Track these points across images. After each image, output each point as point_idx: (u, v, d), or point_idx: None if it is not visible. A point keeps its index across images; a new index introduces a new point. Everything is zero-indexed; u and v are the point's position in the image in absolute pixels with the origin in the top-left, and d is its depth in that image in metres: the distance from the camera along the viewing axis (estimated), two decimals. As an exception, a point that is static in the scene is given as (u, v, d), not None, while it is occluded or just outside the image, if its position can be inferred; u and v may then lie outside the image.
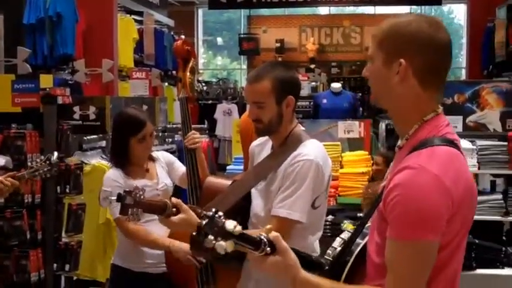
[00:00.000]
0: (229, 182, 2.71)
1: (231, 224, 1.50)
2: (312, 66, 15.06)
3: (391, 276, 1.58)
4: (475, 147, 4.91)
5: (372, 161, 5.63)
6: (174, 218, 2.37)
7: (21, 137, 4.24)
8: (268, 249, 1.57)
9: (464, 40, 11.76)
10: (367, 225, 1.78)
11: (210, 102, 11.85)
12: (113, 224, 4.26)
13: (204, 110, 11.41)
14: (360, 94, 14.05)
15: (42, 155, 4.01)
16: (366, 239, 1.75)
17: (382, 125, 8.36)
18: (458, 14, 17.49)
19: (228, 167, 5.96)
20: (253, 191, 2.61)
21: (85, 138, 4.80)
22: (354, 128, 5.90)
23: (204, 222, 1.49)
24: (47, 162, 3.45)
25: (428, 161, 1.56)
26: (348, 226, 4.92)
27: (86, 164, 4.68)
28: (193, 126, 3.36)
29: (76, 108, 4.98)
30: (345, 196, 5.37)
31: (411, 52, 1.64)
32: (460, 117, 5.12)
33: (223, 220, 1.50)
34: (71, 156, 4.62)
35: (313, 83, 12.83)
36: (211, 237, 1.48)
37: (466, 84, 5.40)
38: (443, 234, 1.56)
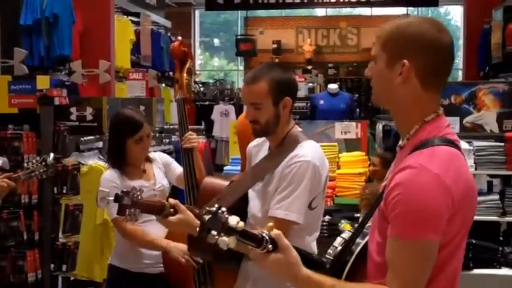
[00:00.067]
0: (226, 183, 2.71)
1: (234, 220, 1.51)
2: (309, 67, 15.08)
3: (391, 275, 1.59)
4: (471, 148, 4.93)
5: (368, 162, 5.64)
6: (172, 218, 2.38)
7: (18, 138, 4.23)
8: (270, 246, 1.58)
9: (460, 41, 11.78)
10: (367, 225, 1.79)
11: (207, 103, 11.86)
12: (110, 225, 4.26)
13: (201, 111, 11.42)
14: (357, 95, 14.09)
15: (39, 156, 4.01)
16: (366, 238, 1.76)
17: (379, 126, 8.37)
18: (455, 16, 17.53)
19: (225, 168, 5.97)
20: (250, 191, 2.61)
21: (82, 139, 4.80)
22: (351, 129, 5.91)
23: (207, 217, 1.50)
24: (43, 163, 3.45)
25: (429, 161, 1.58)
26: (345, 226, 4.93)
27: (83, 164, 4.67)
28: (190, 127, 3.36)
29: (73, 109, 4.97)
30: (342, 197, 5.39)
31: (414, 53, 1.66)
32: (457, 118, 5.14)
33: (227, 216, 1.51)
34: (68, 157, 4.62)
35: (310, 84, 12.84)
36: (214, 232, 1.49)
37: (463, 86, 5.42)
38: (443, 233, 1.57)
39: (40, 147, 4.34)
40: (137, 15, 9.57)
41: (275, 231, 1.61)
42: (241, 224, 1.52)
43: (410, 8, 15.59)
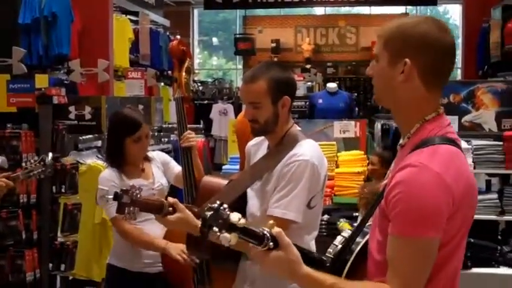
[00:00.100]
0: (225, 182, 2.71)
1: (235, 216, 1.52)
2: (308, 66, 15.07)
3: (392, 273, 1.60)
4: (470, 146, 4.93)
5: (367, 161, 5.64)
6: (171, 217, 2.38)
7: (17, 137, 4.23)
8: (271, 244, 1.59)
9: (459, 40, 11.78)
10: (367, 224, 1.79)
11: (205, 102, 11.86)
12: (108, 224, 4.26)
13: (200, 110, 11.41)
14: (356, 94, 14.08)
15: (38, 155, 4.01)
16: (367, 237, 1.77)
17: (378, 125, 8.38)
18: (453, 15, 17.51)
19: (223, 167, 5.96)
20: (249, 190, 2.61)
21: (80, 138, 4.80)
22: (350, 128, 5.91)
23: (209, 214, 1.51)
24: (42, 163, 3.45)
25: (430, 159, 1.59)
26: (343, 225, 4.92)
27: (81, 163, 4.67)
28: (189, 126, 3.36)
29: (71, 108, 4.97)
30: (340, 196, 5.39)
31: (417, 53, 1.67)
32: (456, 117, 5.14)
33: (228, 212, 1.52)
34: (67, 156, 4.61)
35: (309, 83, 12.85)
36: (215, 229, 1.50)
37: (462, 85, 5.42)
38: (444, 232, 1.58)
39: (39, 146, 4.34)
40: (136, 14, 9.57)
41: (276, 229, 1.61)
42: (243, 220, 1.54)
43: (409, 7, 15.58)
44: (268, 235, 1.59)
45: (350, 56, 15.92)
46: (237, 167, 5.15)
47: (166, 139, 6.10)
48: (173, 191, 3.67)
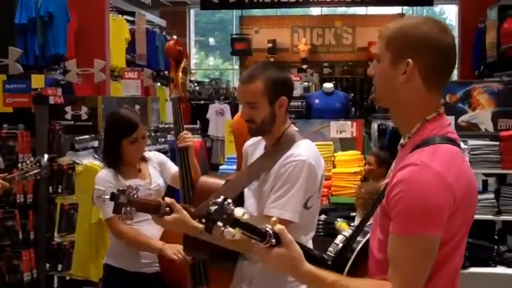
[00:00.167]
0: (222, 182, 2.71)
1: (239, 211, 1.54)
2: (304, 66, 15.08)
3: (393, 271, 1.61)
4: (466, 147, 4.94)
5: (364, 161, 5.65)
6: (168, 218, 2.38)
7: (13, 137, 4.23)
8: (273, 240, 1.59)
9: (456, 41, 11.80)
10: (368, 223, 1.80)
11: (202, 102, 11.85)
12: (105, 224, 4.25)
13: (197, 110, 11.41)
14: (352, 94, 14.09)
15: (34, 155, 4.01)
16: (367, 236, 1.78)
17: (374, 125, 8.39)
18: (449, 15, 17.54)
19: (220, 167, 5.96)
20: (246, 191, 2.61)
21: (77, 138, 4.79)
22: (346, 128, 5.91)
23: (213, 208, 1.53)
24: (37, 164, 3.45)
25: (431, 158, 1.60)
26: (341, 225, 4.92)
27: (78, 164, 4.66)
28: (185, 126, 3.36)
29: (68, 108, 4.96)
30: (337, 196, 5.39)
31: (418, 53, 1.68)
32: (452, 118, 5.14)
33: (232, 207, 1.53)
34: (63, 156, 4.61)
35: (306, 83, 12.86)
36: (220, 223, 1.51)
37: (458, 85, 5.42)
38: (445, 230, 1.59)
39: (35, 146, 4.34)
40: (132, 14, 9.56)
41: (278, 226, 1.62)
42: (247, 216, 1.55)
43: (405, 7, 15.60)
44: (270, 232, 1.60)
45: (346, 56, 15.94)
46: (234, 167, 5.16)
47: (163, 139, 6.10)
48: (170, 191, 3.67)
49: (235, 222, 1.53)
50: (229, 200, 1.54)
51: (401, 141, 1.76)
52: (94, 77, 7.18)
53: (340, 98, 9.74)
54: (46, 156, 3.56)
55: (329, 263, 1.76)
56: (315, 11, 17.23)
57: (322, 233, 4.99)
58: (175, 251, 3.04)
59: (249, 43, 15.78)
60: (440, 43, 1.69)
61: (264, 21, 16.49)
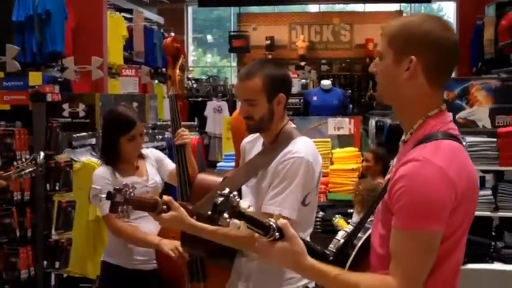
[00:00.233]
0: (220, 179, 2.71)
1: (245, 204, 1.57)
2: (302, 63, 15.08)
3: (395, 265, 1.63)
4: (464, 143, 4.93)
5: (362, 158, 5.65)
6: (165, 215, 2.38)
7: (10, 135, 4.23)
8: (277, 234, 1.61)
9: (454, 37, 11.77)
10: (369, 219, 1.81)
11: (200, 99, 11.85)
12: (102, 221, 4.25)
13: (194, 107, 11.41)
14: (350, 91, 14.10)
15: (32, 153, 4.01)
16: (369, 232, 1.79)
17: (372, 122, 8.40)
18: (447, 12, 17.53)
19: (218, 164, 5.97)
20: (244, 187, 2.61)
21: (74, 135, 4.78)
22: (344, 125, 5.92)
23: (219, 200, 1.55)
24: (33, 162, 3.45)
25: (433, 154, 1.62)
26: (339, 221, 4.91)
27: (75, 161, 4.66)
28: (183, 123, 3.36)
29: (65, 106, 4.96)
30: (335, 192, 5.39)
31: (421, 50, 1.69)
32: (450, 114, 5.13)
33: (238, 199, 1.56)
34: (61, 153, 4.60)
35: (303, 80, 12.86)
36: (226, 215, 1.54)
37: (456, 81, 5.42)
38: (447, 225, 1.61)
39: (32, 143, 4.34)
40: (130, 11, 9.55)
41: (282, 221, 1.63)
42: (251, 208, 1.58)
43: (403, 4, 15.60)
44: (274, 226, 1.61)
45: (344, 53, 15.94)
46: (232, 164, 5.16)
47: (160, 136, 6.09)
48: (167, 188, 3.67)
49: (241, 215, 1.55)
50: (235, 193, 1.57)
51: (403, 137, 1.78)
52: (92, 75, 7.17)
53: (338, 95, 9.74)
54: (42, 154, 3.56)
55: (331, 258, 1.77)
56: (313, 7, 17.23)
57: (320, 230, 5.00)
58: (172, 247, 3.04)
59: (246, 40, 15.77)
60: (443, 40, 1.70)
61: (262, 18, 16.49)
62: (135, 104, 5.46)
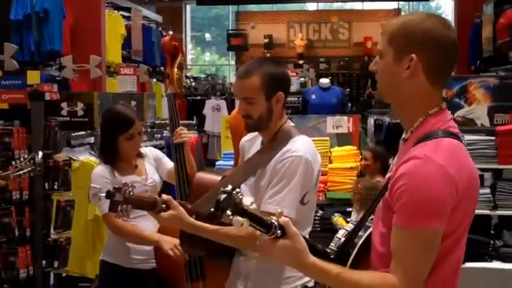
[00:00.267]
0: (218, 178, 2.71)
1: (248, 201, 1.57)
2: (301, 61, 15.08)
3: (396, 263, 1.63)
4: (464, 141, 4.93)
5: (360, 156, 5.65)
6: (164, 214, 2.38)
7: (9, 134, 4.21)
8: (278, 232, 1.61)
9: (452, 36, 11.76)
10: (369, 218, 1.82)
11: (198, 98, 11.85)
12: (101, 220, 4.24)
13: (193, 106, 11.40)
14: (348, 89, 14.11)
15: (30, 152, 4.00)
16: (369, 230, 1.80)
17: (371, 120, 8.40)
18: (445, 10, 17.53)
19: (217, 163, 5.97)
20: (242, 186, 2.60)
21: (73, 134, 4.77)
22: (343, 123, 5.92)
23: (222, 197, 1.55)
24: (32, 161, 3.44)
25: (434, 152, 1.63)
26: (338, 220, 4.91)
27: (74, 160, 4.65)
28: (181, 122, 3.36)
29: (64, 105, 4.95)
30: (334, 191, 5.40)
31: (422, 48, 1.70)
32: (450, 112, 5.14)
33: (241, 196, 1.56)
34: (59, 152, 4.59)
35: (302, 79, 12.85)
36: (228, 212, 1.54)
37: (454, 80, 5.42)
38: (447, 223, 1.61)
39: (31, 142, 4.32)
40: (128, 10, 9.54)
41: (283, 218, 1.64)
42: (254, 205, 1.58)
43: (402, 2, 15.61)
44: (276, 224, 1.61)
45: (343, 52, 15.95)
46: (230, 163, 5.16)
47: (159, 135, 6.08)
48: (165, 187, 3.67)
49: (243, 212, 1.55)
50: (238, 189, 1.57)
51: (404, 135, 1.78)
52: (90, 73, 7.15)
53: (336, 93, 9.74)
54: (40, 153, 3.55)
55: (332, 256, 1.78)
56: (311, 6, 17.23)
57: (318, 229, 5.00)
58: (171, 246, 3.03)
59: (245, 38, 15.77)
60: (444, 39, 1.71)
61: (260, 16, 16.49)
62: (133, 103, 5.46)
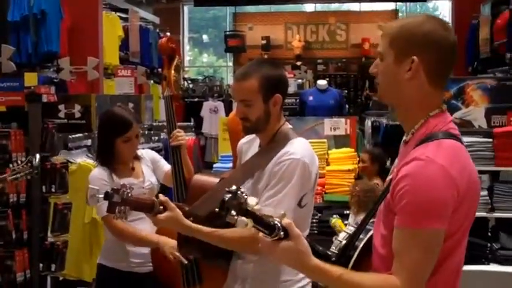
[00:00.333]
0: (216, 180, 2.70)
1: (253, 200, 1.57)
2: (298, 63, 15.08)
3: (398, 264, 1.63)
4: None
5: (358, 158, 5.64)
6: (161, 216, 2.37)
7: (6, 136, 4.21)
8: (281, 233, 1.61)
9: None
10: (370, 221, 1.82)
11: (196, 99, 11.82)
12: (99, 223, 4.23)
13: (190, 108, 11.38)
14: (346, 91, 14.11)
15: (27, 154, 3.99)
16: (370, 233, 1.80)
17: (368, 122, 8.39)
18: (443, 11, 17.56)
19: (214, 165, 5.95)
20: (240, 189, 2.60)
21: (70, 136, 4.77)
22: (340, 125, 5.91)
23: (227, 197, 1.55)
24: (29, 164, 3.43)
25: (435, 153, 1.63)
26: (336, 221, 4.91)
27: (71, 162, 4.64)
28: (179, 124, 3.35)
29: (61, 107, 4.94)
30: (331, 193, 5.38)
31: (423, 50, 1.71)
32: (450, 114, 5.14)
33: (246, 196, 1.56)
34: (56, 155, 4.59)
35: (299, 80, 12.84)
36: (233, 212, 1.54)
37: (451, 81, 5.42)
38: (449, 224, 1.62)
39: (28, 145, 4.32)
40: (125, 11, 9.53)
41: (286, 220, 1.64)
42: (258, 206, 1.57)
43: (399, 4, 15.62)
44: (279, 225, 1.61)
45: (340, 53, 15.96)
46: (228, 165, 5.15)
47: (156, 137, 6.07)
48: (163, 190, 3.66)
49: (247, 212, 1.55)
50: (243, 189, 1.57)
51: (405, 137, 1.79)
52: (87, 75, 7.15)
53: (334, 95, 9.74)
54: (38, 156, 3.54)
55: (333, 259, 1.78)
56: (309, 7, 17.24)
57: (316, 232, 4.99)
58: (172, 250, 3.03)
59: (242, 40, 15.78)
60: (444, 41, 1.72)
61: (258, 17, 16.49)
62: (130, 105, 5.45)
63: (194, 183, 2.80)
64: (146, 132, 5.85)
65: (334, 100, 9.48)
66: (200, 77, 14.80)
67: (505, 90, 5.30)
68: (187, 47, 17.79)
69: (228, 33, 16.11)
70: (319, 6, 16.89)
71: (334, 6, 16.95)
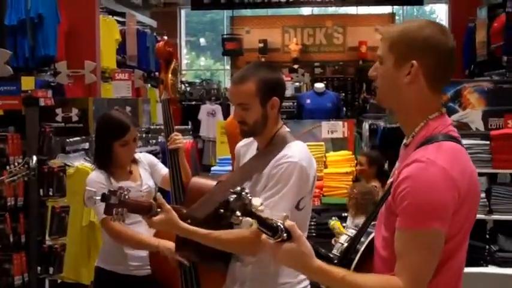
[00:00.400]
0: (214, 183, 2.70)
1: (257, 201, 1.58)
2: (295, 66, 15.08)
3: (400, 265, 1.64)
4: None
5: (355, 161, 5.65)
6: (155, 218, 2.37)
7: (3, 140, 4.20)
8: (284, 235, 1.62)
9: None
10: (371, 223, 1.83)
11: (193, 103, 11.83)
12: (96, 226, 4.23)
13: (188, 111, 11.39)
14: (343, 94, 14.11)
15: (25, 158, 3.99)
16: (371, 236, 1.81)
17: (366, 125, 8.39)
18: (439, 14, 17.58)
19: (212, 168, 5.95)
20: (238, 191, 2.60)
21: (68, 140, 4.77)
22: (338, 128, 5.92)
23: (232, 198, 1.57)
24: (26, 166, 3.43)
25: (436, 155, 1.65)
26: (335, 223, 4.92)
27: (69, 166, 4.64)
28: (176, 127, 3.35)
29: (58, 110, 4.94)
30: (329, 196, 5.38)
31: (422, 55, 1.72)
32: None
33: (250, 197, 1.58)
34: (54, 158, 4.58)
35: (297, 83, 12.86)
36: (238, 213, 1.55)
37: (448, 84, 5.42)
38: (449, 226, 1.63)
39: (25, 148, 4.31)
40: (123, 15, 9.54)
41: (289, 222, 1.64)
42: (263, 207, 1.59)
43: (396, 7, 15.64)
44: (282, 227, 1.62)
45: (337, 56, 15.95)
46: (226, 168, 5.15)
47: (154, 141, 6.08)
48: (161, 193, 3.65)
49: (251, 214, 1.56)
50: (247, 190, 1.58)
51: (405, 140, 1.80)
52: (85, 79, 7.15)
53: (331, 98, 9.75)
54: (35, 158, 3.53)
55: (335, 261, 1.79)
56: (306, 10, 17.25)
57: (314, 234, 4.98)
58: (170, 253, 3.02)
59: (240, 43, 15.77)
60: (443, 45, 1.74)
61: (255, 21, 16.48)
62: (128, 108, 5.45)
63: (192, 186, 2.80)
64: (144, 135, 5.85)
65: (331, 103, 9.49)
66: (197, 80, 14.80)
67: (501, 93, 5.31)
68: (184, 51, 17.79)
69: (225, 36, 16.11)
70: (316, 10, 16.90)
71: (331, 10, 16.95)
